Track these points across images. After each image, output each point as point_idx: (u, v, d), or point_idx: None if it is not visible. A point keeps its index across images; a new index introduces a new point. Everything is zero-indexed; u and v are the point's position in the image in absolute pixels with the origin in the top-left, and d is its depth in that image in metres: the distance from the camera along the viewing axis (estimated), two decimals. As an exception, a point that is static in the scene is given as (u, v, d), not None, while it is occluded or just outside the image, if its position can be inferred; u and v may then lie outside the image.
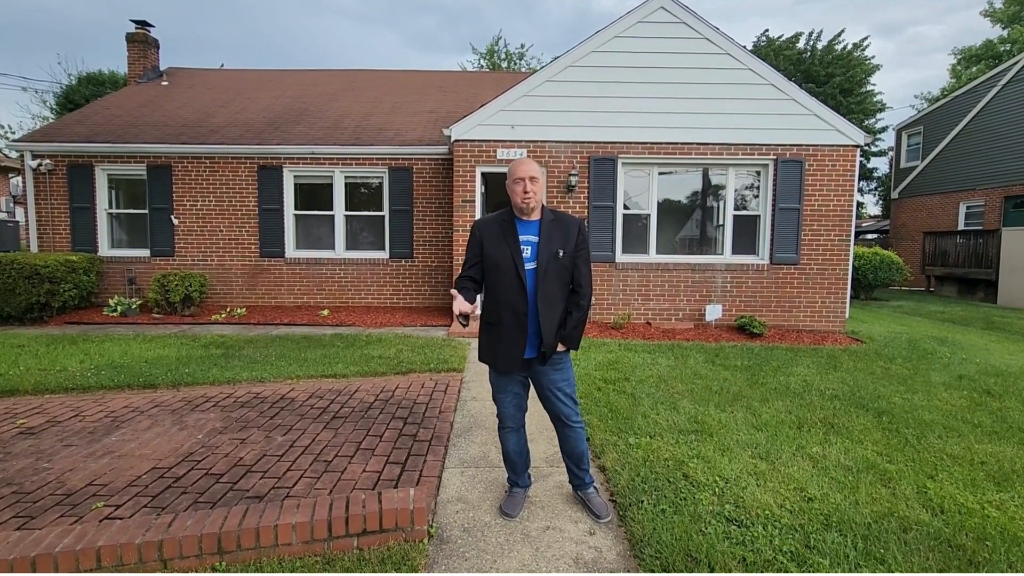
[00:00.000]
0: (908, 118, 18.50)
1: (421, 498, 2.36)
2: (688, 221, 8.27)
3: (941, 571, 2.18)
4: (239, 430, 3.55)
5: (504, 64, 28.14)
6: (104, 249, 8.88)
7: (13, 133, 24.32)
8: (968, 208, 15.65)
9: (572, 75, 7.52)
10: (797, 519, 2.50)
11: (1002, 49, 25.60)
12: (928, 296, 14.26)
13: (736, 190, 7.95)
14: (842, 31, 28.12)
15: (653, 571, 2.15)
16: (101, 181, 8.86)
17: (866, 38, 25.89)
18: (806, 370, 5.38)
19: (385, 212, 9.01)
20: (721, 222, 7.97)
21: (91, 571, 2.04)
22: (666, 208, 8.08)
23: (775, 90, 7.55)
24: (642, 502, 2.63)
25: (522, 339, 2.41)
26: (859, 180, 9.30)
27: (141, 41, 12.62)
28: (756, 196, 8.00)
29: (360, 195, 9.33)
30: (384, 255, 9.03)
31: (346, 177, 8.99)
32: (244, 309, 8.25)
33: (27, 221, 8.84)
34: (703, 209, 8.17)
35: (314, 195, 9.12)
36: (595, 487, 2.69)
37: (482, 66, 28.24)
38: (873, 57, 23.82)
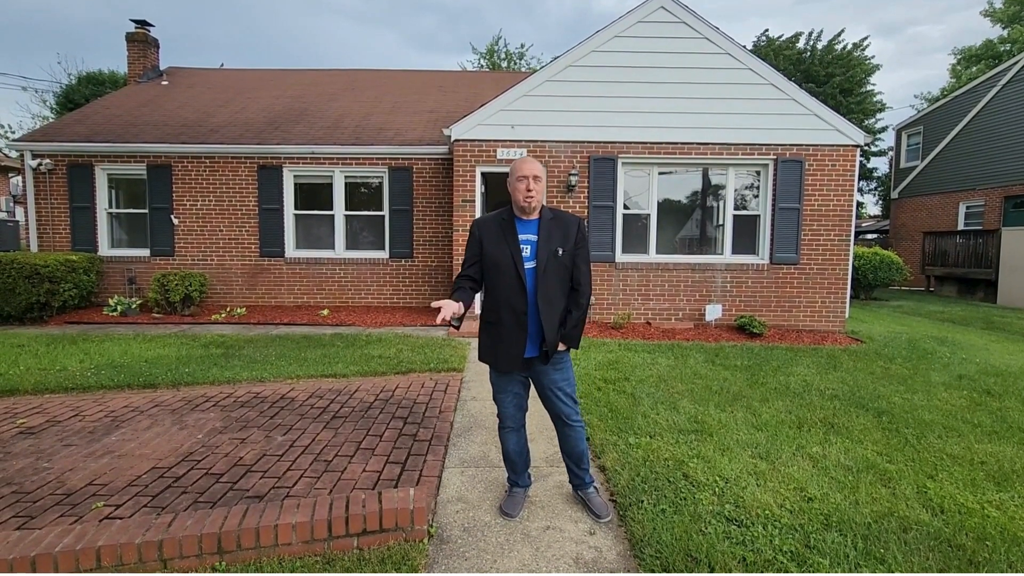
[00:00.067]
0: (908, 118, 18.50)
1: (421, 498, 2.36)
2: (688, 221, 8.27)
3: (941, 571, 2.18)
4: (239, 430, 3.55)
5: (504, 64, 28.14)
6: (104, 249, 8.88)
7: (13, 133, 24.32)
8: (968, 208, 15.65)
9: (572, 75, 7.52)
10: (797, 519, 2.50)
11: (1002, 49, 25.59)
12: (928, 296, 14.26)
13: (736, 190, 7.95)
14: (842, 31, 28.17)
15: (653, 571, 2.15)
16: (101, 181, 8.85)
17: (866, 38, 25.90)
18: (806, 370, 5.38)
19: (385, 212, 9.01)
20: (721, 222, 7.98)
21: (91, 571, 2.04)
22: (666, 208, 8.08)
23: (775, 90, 7.55)
24: (642, 502, 2.63)
25: (522, 338, 2.41)
26: (859, 180, 9.30)
27: (141, 41, 12.61)
28: (756, 196, 8.00)
29: (360, 195, 9.33)
30: (384, 255, 9.03)
31: (346, 177, 8.99)
32: (244, 309, 8.25)
33: (27, 221, 8.83)
34: (703, 209, 8.17)
35: (314, 195, 9.12)
36: (595, 487, 2.69)
37: (482, 66, 28.24)
38: (873, 57, 23.85)
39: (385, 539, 2.26)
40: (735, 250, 7.92)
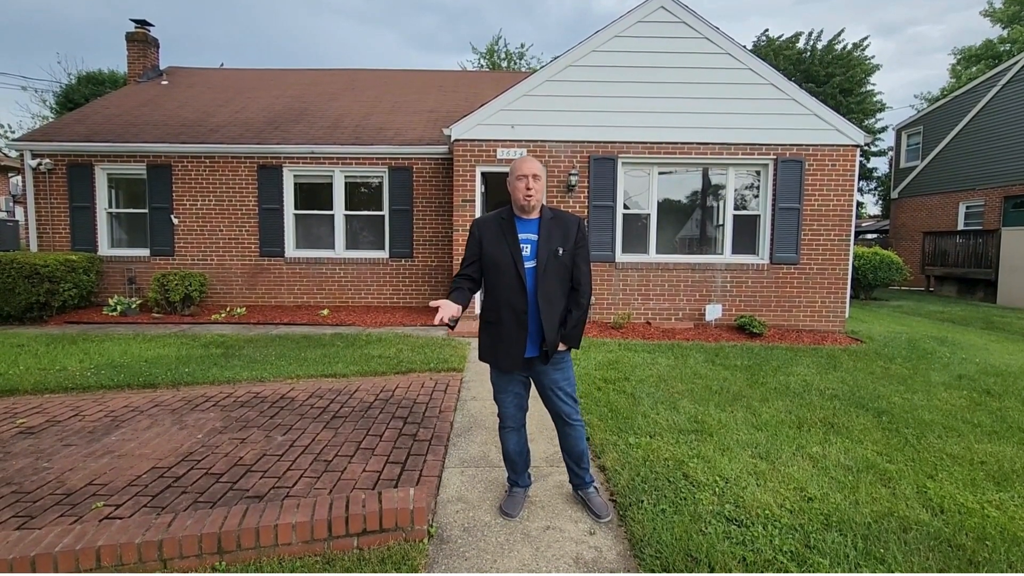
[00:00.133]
0: (908, 118, 18.50)
1: (421, 498, 2.36)
2: (688, 221, 8.27)
3: (941, 571, 2.18)
4: (239, 430, 3.54)
5: (504, 64, 28.13)
6: (104, 248, 8.88)
7: (13, 132, 24.31)
8: (968, 208, 15.65)
9: (572, 75, 7.52)
10: (797, 519, 2.50)
11: (1002, 49, 25.59)
12: (928, 296, 14.27)
13: (736, 190, 7.95)
14: (842, 31, 28.18)
15: (653, 571, 2.15)
16: (101, 180, 8.85)
17: (866, 38, 25.88)
18: (806, 370, 5.38)
19: (385, 212, 9.01)
20: (721, 222, 7.98)
21: (91, 571, 2.04)
22: (666, 208, 8.08)
23: (775, 90, 7.55)
24: (642, 502, 2.63)
25: (523, 338, 2.41)
26: (859, 180, 9.30)
27: (141, 40, 12.61)
28: (756, 196, 8.00)
29: (360, 195, 9.33)
30: (384, 255, 9.03)
31: (346, 176, 8.99)
32: (244, 308, 8.24)
33: (27, 220, 8.83)
34: (703, 209, 8.17)
35: (314, 195, 9.12)
36: (595, 487, 2.69)
37: (482, 66, 28.23)
38: (873, 57, 23.85)
39: (385, 539, 2.26)
40: (735, 250, 7.92)
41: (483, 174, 7.79)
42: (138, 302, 8.13)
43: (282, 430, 3.54)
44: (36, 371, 4.81)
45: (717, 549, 2.25)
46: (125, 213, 9.07)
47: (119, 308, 7.88)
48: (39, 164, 8.64)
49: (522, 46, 33.65)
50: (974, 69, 25.77)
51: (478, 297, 2.55)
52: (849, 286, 7.93)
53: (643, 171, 7.90)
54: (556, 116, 7.56)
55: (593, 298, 7.54)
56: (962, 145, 15.71)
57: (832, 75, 22.51)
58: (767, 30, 37.89)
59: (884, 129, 23.78)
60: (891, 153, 21.80)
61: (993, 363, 5.94)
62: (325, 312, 8.19)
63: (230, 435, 3.45)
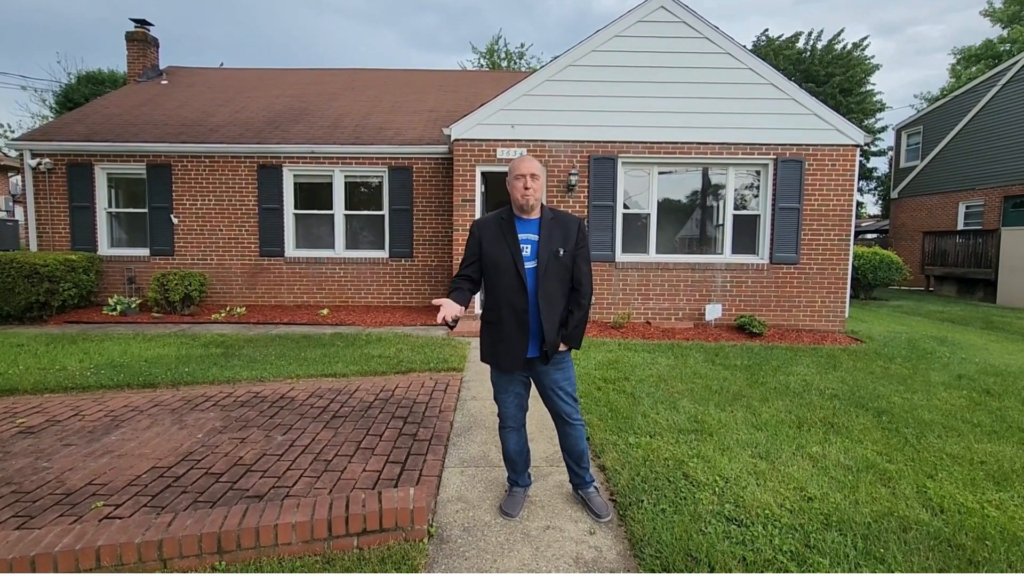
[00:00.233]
0: (908, 118, 18.50)
1: (421, 497, 2.36)
2: (688, 220, 8.27)
3: (941, 571, 2.18)
4: (239, 429, 3.54)
5: (504, 63, 28.11)
6: (104, 248, 8.87)
7: (12, 132, 24.28)
8: (967, 208, 15.65)
9: (572, 74, 7.52)
10: (797, 518, 2.50)
11: (1002, 49, 25.58)
12: (927, 296, 14.27)
13: (736, 189, 7.95)
14: (842, 31, 28.15)
15: (653, 571, 2.15)
16: (100, 180, 8.85)
17: (866, 38, 25.86)
18: (806, 370, 5.38)
19: (385, 211, 9.00)
20: (721, 221, 7.97)
21: (91, 571, 2.04)
22: (666, 207, 8.08)
23: (775, 89, 7.55)
24: (642, 501, 2.63)
25: (523, 338, 2.41)
26: (859, 180, 9.29)
27: (141, 40, 12.60)
28: (756, 196, 8.00)
29: (360, 194, 9.33)
30: (384, 254, 9.03)
31: (346, 176, 8.99)
32: (244, 308, 8.24)
33: (26, 220, 8.82)
34: (703, 209, 8.17)
35: (314, 194, 9.12)
36: (595, 486, 2.69)
37: (482, 65, 28.22)
38: (873, 57, 23.84)
39: (385, 539, 2.26)
40: (735, 250, 7.92)
41: (483, 174, 7.79)
42: (138, 302, 8.13)
43: (282, 430, 3.54)
44: (36, 371, 4.81)
45: (717, 549, 2.25)
46: (125, 213, 9.07)
47: (119, 308, 7.88)
48: (39, 164, 8.63)
49: (522, 46, 33.68)
50: (974, 69, 25.76)
51: (478, 297, 2.54)
52: (849, 286, 7.93)
53: (643, 171, 7.89)
54: (556, 116, 7.56)
55: (593, 298, 7.54)
56: (962, 145, 15.71)
57: (832, 75, 22.51)
58: (767, 30, 37.93)
59: (884, 129, 23.78)
60: (891, 153, 21.81)
61: (993, 363, 5.94)
62: (325, 312, 8.19)
63: (230, 435, 3.45)
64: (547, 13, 64.21)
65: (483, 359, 2.54)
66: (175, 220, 8.85)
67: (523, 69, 26.78)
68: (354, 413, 3.89)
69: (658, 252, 7.91)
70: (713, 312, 7.56)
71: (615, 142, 7.66)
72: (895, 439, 3.56)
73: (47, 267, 7.24)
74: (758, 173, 7.89)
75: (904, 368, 5.59)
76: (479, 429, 3.66)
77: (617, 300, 7.80)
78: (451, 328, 2.30)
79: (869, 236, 23.13)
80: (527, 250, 2.41)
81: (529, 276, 2.39)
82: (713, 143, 7.63)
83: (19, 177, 11.99)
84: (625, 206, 7.96)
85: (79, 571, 2.03)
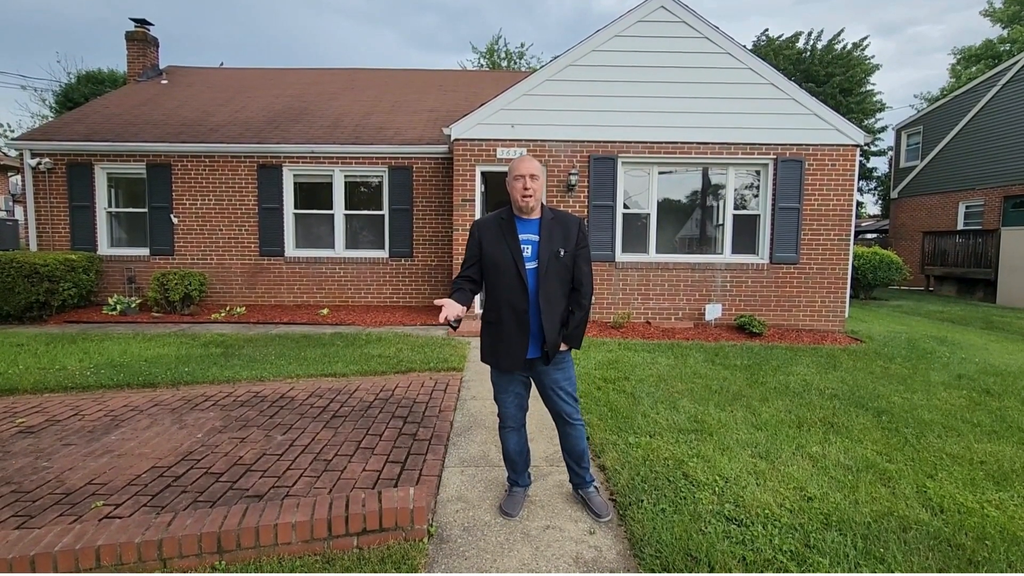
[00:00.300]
0: (908, 118, 18.50)
1: (421, 497, 2.36)
2: (688, 220, 8.27)
3: (941, 571, 2.18)
4: (239, 429, 3.54)
5: (504, 63, 28.11)
6: (103, 248, 8.87)
7: (12, 132, 24.27)
8: (967, 208, 15.66)
9: (572, 74, 7.51)
10: (797, 518, 2.50)
11: (1002, 49, 25.58)
12: (927, 296, 14.27)
13: (736, 189, 7.95)
14: (842, 31, 28.14)
15: (653, 570, 2.15)
16: (100, 180, 8.84)
17: (866, 38, 25.85)
18: (806, 369, 5.38)
19: (385, 211, 9.00)
20: (721, 221, 7.97)
21: (90, 570, 2.04)
22: (666, 207, 8.08)
23: (775, 89, 7.55)
24: (642, 501, 2.63)
25: (524, 339, 2.40)
26: (859, 180, 9.29)
27: (140, 40, 12.60)
28: (756, 195, 8.00)
29: (360, 194, 9.33)
30: (384, 254, 9.03)
31: (346, 176, 8.98)
32: (244, 308, 8.24)
33: (26, 220, 8.82)
34: (703, 208, 8.17)
35: (314, 194, 9.12)
36: (595, 486, 2.69)
37: (482, 65, 28.21)
38: (873, 57, 23.84)
39: (385, 538, 2.26)
40: (735, 250, 7.92)
41: (483, 174, 7.78)
42: (138, 301, 8.13)
43: (282, 429, 3.54)
44: (36, 370, 4.80)
45: (717, 548, 2.25)
46: (125, 212, 9.06)
47: (119, 307, 7.87)
48: (39, 163, 8.63)
49: (522, 46, 33.68)
50: (974, 69, 25.76)
51: (479, 298, 2.54)
52: (849, 286, 7.93)
53: (643, 171, 7.89)
54: (556, 116, 7.56)
55: (593, 298, 7.54)
56: (962, 145, 15.71)
57: (832, 75, 22.51)
58: (767, 30, 37.88)
59: (884, 129, 23.78)
60: (891, 153, 21.81)
61: (993, 363, 5.94)
62: (325, 311, 8.19)
63: (230, 434, 3.45)
64: (547, 13, 64.25)
65: (483, 359, 2.53)
66: (175, 220, 8.85)
67: (523, 69, 26.78)
68: (354, 413, 3.89)
69: (658, 252, 7.91)
70: (713, 312, 7.56)
71: (615, 142, 7.66)
72: (895, 439, 3.56)
73: (47, 267, 7.23)
74: (758, 173, 7.89)
75: (904, 368, 5.59)
76: (479, 429, 3.66)
77: (617, 300, 7.80)
78: (454, 328, 2.30)
79: (869, 236, 23.13)
80: (528, 251, 2.41)
81: (530, 277, 2.39)
82: (713, 143, 7.63)
83: (19, 177, 12.00)
84: (625, 206, 7.95)
85: (79, 571, 2.03)
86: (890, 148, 22.94)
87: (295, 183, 8.96)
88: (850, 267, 7.90)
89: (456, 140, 7.61)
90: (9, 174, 20.48)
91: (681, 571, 2.14)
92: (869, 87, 23.60)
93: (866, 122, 23.50)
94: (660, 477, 2.88)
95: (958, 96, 16.18)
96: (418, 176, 8.89)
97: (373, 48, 71.68)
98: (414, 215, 8.92)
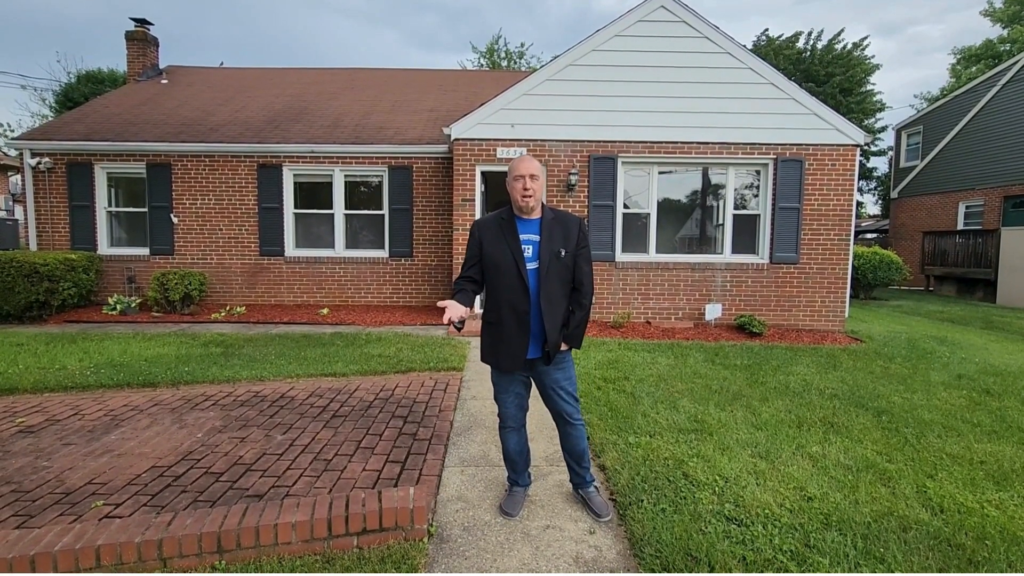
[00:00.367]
0: (908, 118, 18.50)
1: (421, 497, 2.36)
2: (688, 220, 8.27)
3: (941, 570, 2.18)
4: (239, 429, 3.54)
5: (504, 63, 28.10)
6: (103, 247, 8.87)
7: (12, 131, 24.27)
8: (967, 208, 15.66)
9: (572, 74, 7.51)
10: (797, 518, 2.51)
11: (1002, 49, 25.58)
12: (927, 295, 14.27)
13: (736, 189, 7.95)
14: (842, 30, 28.13)
15: (653, 570, 2.15)
16: (100, 179, 8.84)
17: (866, 38, 25.83)
18: (806, 369, 5.38)
19: (385, 211, 9.00)
20: (721, 221, 7.97)
21: (90, 570, 2.04)
22: (666, 207, 8.08)
23: (775, 89, 7.55)
24: (642, 501, 2.63)
25: (524, 339, 2.40)
26: (859, 179, 9.29)
27: (140, 39, 12.59)
28: (756, 195, 8.00)
29: (360, 194, 9.33)
30: (384, 254, 9.03)
31: (346, 176, 8.98)
32: (244, 308, 8.24)
33: (26, 219, 8.82)
34: (703, 208, 8.17)
35: (314, 194, 9.11)
36: (595, 486, 2.69)
37: (482, 65, 28.21)
38: (873, 57, 23.82)
39: (385, 538, 2.26)
40: (735, 249, 7.92)
41: (483, 173, 7.78)
42: (138, 301, 8.12)
43: (282, 429, 3.54)
44: (35, 370, 4.80)
45: (717, 548, 2.25)
46: (125, 212, 9.06)
47: (119, 307, 7.87)
48: (38, 163, 8.63)
49: (522, 45, 33.68)
50: (974, 69, 25.76)
51: (478, 299, 2.54)
52: (849, 286, 7.93)
53: (643, 170, 7.89)
54: (556, 115, 7.56)
55: (593, 297, 7.54)
56: (962, 145, 15.71)
57: (832, 75, 22.50)
58: (767, 30, 37.84)
59: (884, 129, 23.77)
60: (891, 153, 21.81)
61: (993, 363, 5.94)
62: (325, 311, 8.19)
63: (230, 434, 3.45)
64: (547, 13, 64.24)
65: (483, 359, 2.53)
66: (175, 219, 8.84)
67: (523, 69, 26.77)
68: (354, 412, 3.89)
69: (658, 252, 7.90)
70: (713, 312, 7.56)
71: (615, 142, 7.66)
72: (895, 439, 3.56)
73: (47, 266, 7.23)
74: (758, 173, 7.89)
75: (904, 368, 5.59)
76: (479, 428, 3.66)
77: (617, 300, 7.80)
78: (458, 330, 2.29)
79: (869, 236, 23.13)
80: (529, 251, 2.41)
81: (531, 277, 2.39)
82: (713, 143, 7.63)
83: (19, 176, 12.00)
84: (625, 206, 7.95)
85: (79, 570, 2.03)
86: (890, 148, 22.95)
87: (295, 183, 8.96)
88: (850, 267, 7.90)
89: (456, 140, 7.61)
90: (9, 174, 20.48)
91: (681, 571, 2.14)
92: (869, 87, 23.59)
93: (866, 122, 23.49)
94: (660, 477, 2.88)
95: (958, 96, 16.18)
96: (418, 176, 8.88)
97: (373, 48, 71.70)
98: (414, 215, 8.92)
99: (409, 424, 3.66)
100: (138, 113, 9.94)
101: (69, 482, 2.78)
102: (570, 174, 7.56)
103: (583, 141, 7.65)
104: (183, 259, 8.89)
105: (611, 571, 2.17)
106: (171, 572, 2.09)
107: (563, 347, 2.47)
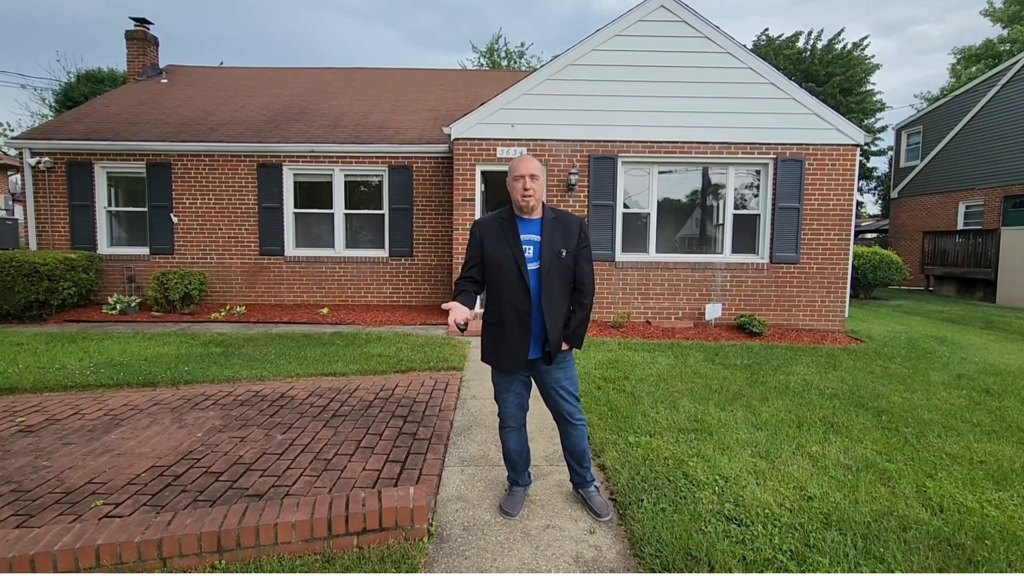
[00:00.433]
0: (908, 118, 18.49)
1: (421, 496, 2.36)
2: (688, 220, 8.27)
3: (941, 570, 2.18)
4: (239, 428, 3.54)
5: (504, 62, 28.08)
6: (103, 247, 8.87)
7: (12, 131, 24.27)
8: (967, 208, 15.66)
9: (572, 73, 7.51)
10: (797, 518, 2.51)
11: (1002, 49, 25.57)
12: (927, 295, 14.27)
13: (736, 189, 7.95)
14: (842, 30, 28.10)
15: (653, 570, 2.15)
16: (100, 179, 8.84)
17: (866, 37, 25.81)
18: (806, 369, 5.38)
19: (385, 210, 9.00)
20: (721, 221, 7.97)
21: (90, 570, 2.04)
22: (666, 207, 8.08)
23: (775, 89, 7.55)
24: (642, 501, 2.63)
25: (525, 339, 2.40)
26: (859, 179, 9.29)
27: (140, 39, 12.58)
28: (756, 195, 8.00)
29: (360, 193, 9.32)
30: (384, 253, 9.03)
31: (346, 175, 8.98)
32: (244, 307, 8.24)
33: (26, 219, 8.82)
34: (703, 208, 8.17)
35: (314, 193, 9.11)
36: (595, 486, 2.69)
37: (482, 64, 28.19)
38: (873, 56, 23.82)
39: (385, 538, 2.26)
40: (735, 249, 7.92)
41: (483, 173, 7.78)
42: (138, 300, 8.12)
43: (282, 429, 3.54)
44: (35, 369, 4.80)
45: (717, 548, 2.25)
46: (124, 212, 9.06)
47: (119, 307, 7.87)
48: (38, 162, 8.62)
49: (522, 45, 33.71)
50: (974, 69, 25.75)
51: (479, 299, 2.53)
52: (849, 285, 7.93)
53: (643, 170, 7.89)
54: (556, 115, 7.55)
55: (593, 297, 7.53)
56: (962, 145, 15.71)
57: (832, 74, 22.50)
58: (767, 29, 37.75)
59: (884, 129, 23.77)
60: (891, 153, 21.81)
61: (992, 362, 5.94)
62: (325, 311, 8.18)
63: (230, 434, 3.45)
64: (547, 12, 64.18)
65: (484, 359, 2.53)
66: (175, 219, 8.84)
67: (523, 68, 26.75)
68: (354, 412, 3.89)
69: (658, 251, 7.90)
70: (713, 311, 7.56)
71: (615, 141, 7.65)
72: (895, 438, 3.56)
73: (47, 266, 7.23)
74: (758, 173, 7.89)
75: (904, 368, 5.59)
76: (479, 428, 3.66)
77: (617, 299, 7.80)
78: (462, 331, 2.29)
79: (869, 236, 23.14)
80: (530, 251, 2.40)
81: (532, 278, 2.39)
82: (713, 143, 7.63)
83: (19, 176, 12.00)
84: (625, 205, 7.95)
85: (79, 570, 2.03)
86: (890, 148, 22.95)
87: (295, 182, 8.96)
88: (850, 267, 7.90)
89: (456, 139, 7.61)
90: (9, 173, 20.48)
91: (681, 571, 2.14)
92: (869, 87, 23.59)
93: (866, 122, 23.49)
94: (660, 476, 2.88)
95: (958, 96, 16.18)
96: (418, 175, 8.88)
97: (373, 47, 71.65)
98: (414, 214, 8.92)
99: (409, 424, 3.66)
100: (138, 112, 9.93)
101: (69, 482, 2.78)
102: (570, 174, 7.55)
103: (583, 141, 7.65)
104: (183, 259, 8.89)
105: (611, 571, 2.17)
106: (171, 572, 2.09)
107: (564, 347, 2.47)
